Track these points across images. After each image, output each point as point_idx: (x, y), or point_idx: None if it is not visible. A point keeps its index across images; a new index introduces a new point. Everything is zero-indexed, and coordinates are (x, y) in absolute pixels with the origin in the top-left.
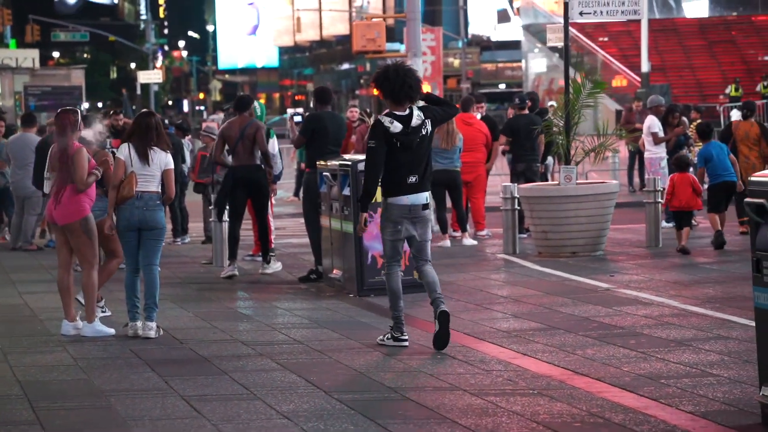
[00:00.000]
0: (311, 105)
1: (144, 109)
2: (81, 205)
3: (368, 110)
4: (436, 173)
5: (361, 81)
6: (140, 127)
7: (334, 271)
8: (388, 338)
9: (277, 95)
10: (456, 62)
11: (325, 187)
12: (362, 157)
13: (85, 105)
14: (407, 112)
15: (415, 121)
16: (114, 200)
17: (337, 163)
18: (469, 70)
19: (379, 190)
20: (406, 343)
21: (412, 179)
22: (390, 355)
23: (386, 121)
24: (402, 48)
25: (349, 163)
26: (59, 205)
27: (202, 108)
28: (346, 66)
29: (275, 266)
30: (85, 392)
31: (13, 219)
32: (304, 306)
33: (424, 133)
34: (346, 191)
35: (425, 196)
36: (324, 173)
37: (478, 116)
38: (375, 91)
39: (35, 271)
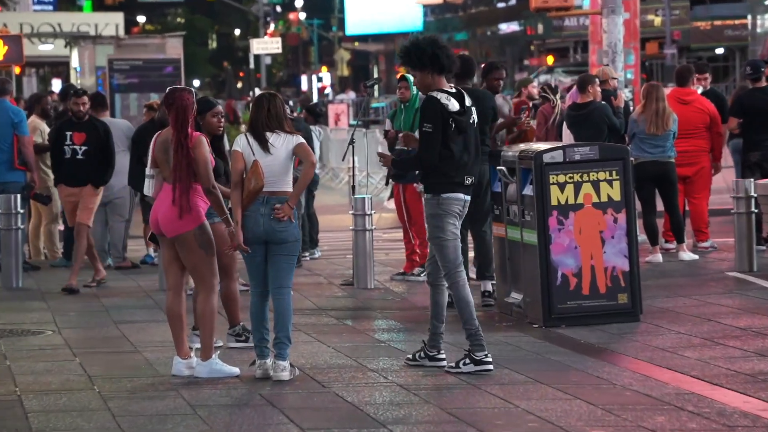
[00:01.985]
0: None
1: (264, 90)
2: (195, 211)
3: (552, 85)
4: (643, 166)
5: (531, 47)
6: (252, 112)
7: (512, 295)
8: (465, 363)
9: None
10: (657, 20)
11: (500, 185)
12: (545, 145)
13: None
14: (455, 90)
15: (468, 100)
16: (239, 202)
17: (515, 153)
18: (676, 30)
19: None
20: (491, 366)
21: (468, 180)
22: (593, 404)
23: (443, 97)
24: (586, 3)
25: (533, 152)
26: (168, 210)
27: (321, 83)
28: (511, 28)
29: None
30: None
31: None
32: None
33: (474, 118)
34: (528, 190)
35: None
36: (498, 168)
37: (699, 90)
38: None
39: (133, 295)
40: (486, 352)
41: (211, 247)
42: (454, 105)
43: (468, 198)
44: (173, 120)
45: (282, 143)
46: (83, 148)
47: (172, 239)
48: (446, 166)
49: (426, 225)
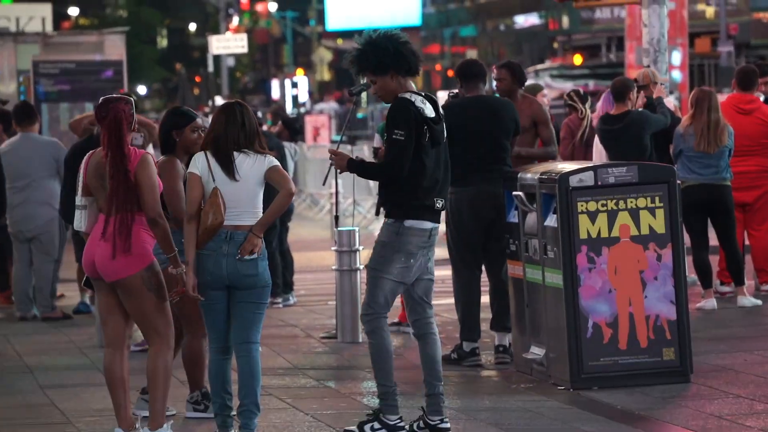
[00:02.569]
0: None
1: (228, 100)
2: (142, 248)
3: (581, 90)
4: (692, 190)
5: (555, 45)
6: (219, 126)
7: (533, 350)
8: (374, 429)
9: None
10: (710, 11)
11: (516, 214)
12: (572, 166)
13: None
14: (424, 94)
15: (440, 108)
16: (194, 239)
17: (535, 175)
18: (732, 23)
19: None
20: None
21: (439, 204)
22: None
23: (417, 100)
24: None
25: (556, 173)
26: (105, 248)
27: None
28: (529, 21)
29: None
30: None
31: (15, 272)
32: (486, 404)
33: (445, 131)
34: (551, 221)
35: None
36: (514, 193)
37: (762, 98)
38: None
39: (63, 353)
40: (400, 416)
41: (162, 291)
42: (429, 110)
43: (437, 225)
44: (106, 137)
45: (251, 166)
46: None
47: (112, 284)
48: (415, 183)
49: (372, 250)
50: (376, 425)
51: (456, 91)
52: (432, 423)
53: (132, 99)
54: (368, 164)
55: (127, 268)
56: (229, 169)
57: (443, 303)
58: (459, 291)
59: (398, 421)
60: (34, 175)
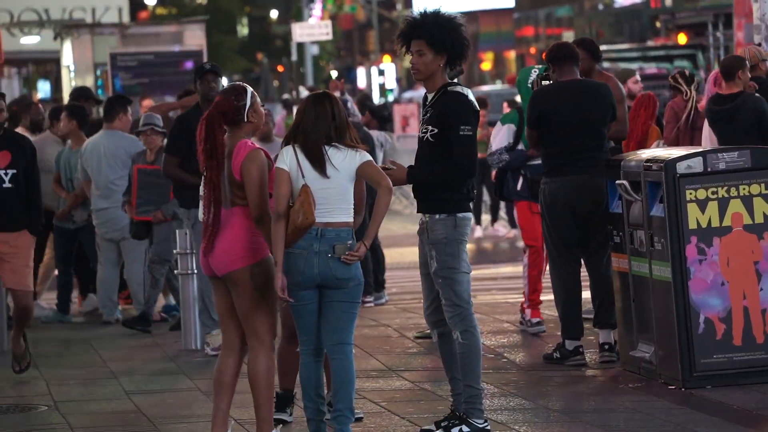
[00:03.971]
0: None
1: (316, 90)
2: (255, 242)
3: (687, 72)
4: None
5: (657, 24)
6: (308, 118)
7: (641, 347)
8: None
9: (511, 54)
10: None
11: (620, 204)
12: (679, 151)
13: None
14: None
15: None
16: (282, 238)
17: (639, 162)
18: None
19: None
20: None
21: (473, 193)
22: None
23: (469, 93)
24: None
25: (662, 160)
26: (216, 242)
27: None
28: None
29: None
30: None
31: (100, 274)
32: (591, 405)
33: None
34: (658, 210)
35: None
36: (618, 182)
37: None
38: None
39: (148, 357)
40: (486, 419)
41: (269, 291)
42: (476, 105)
43: None
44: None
45: (343, 162)
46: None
47: (223, 277)
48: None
49: (433, 253)
50: (465, 428)
51: (540, 68)
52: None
53: (247, 88)
54: (434, 169)
55: (235, 260)
56: (320, 164)
57: (544, 299)
58: (558, 287)
59: (486, 424)
60: (112, 175)
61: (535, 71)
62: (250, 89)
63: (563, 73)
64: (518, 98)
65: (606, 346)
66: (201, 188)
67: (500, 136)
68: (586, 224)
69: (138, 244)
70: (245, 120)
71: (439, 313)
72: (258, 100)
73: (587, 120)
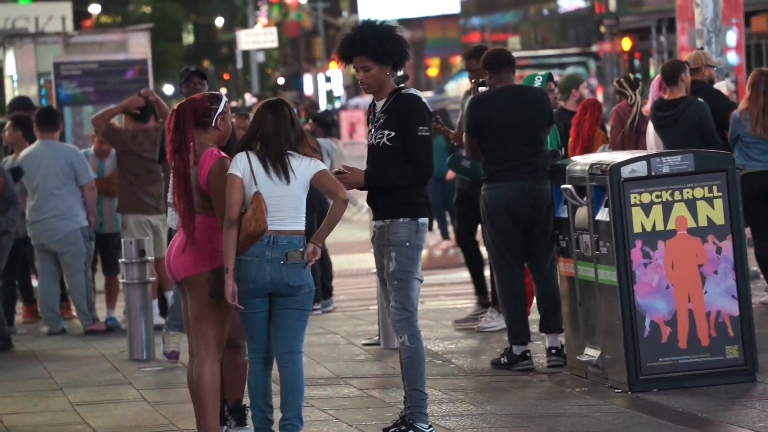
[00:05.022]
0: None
1: (272, 97)
2: (213, 249)
3: (632, 76)
4: (750, 178)
5: (602, 28)
6: (268, 123)
7: (587, 351)
8: None
9: (457, 60)
10: None
11: (566, 209)
12: (623, 155)
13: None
14: None
15: None
16: (234, 245)
17: (584, 167)
18: None
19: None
20: None
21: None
22: None
23: (423, 97)
24: None
25: (607, 164)
26: (180, 248)
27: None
28: (574, 4)
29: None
30: None
31: (40, 285)
32: (539, 410)
33: None
34: (603, 215)
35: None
36: (563, 187)
37: None
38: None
39: (93, 368)
40: (430, 425)
41: (225, 300)
42: (428, 107)
43: None
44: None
45: (298, 169)
46: None
47: (183, 281)
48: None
49: (393, 254)
50: None
51: (483, 80)
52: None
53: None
54: (390, 173)
55: (193, 265)
56: (284, 171)
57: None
58: (503, 293)
59: (431, 429)
60: (51, 185)
61: (538, 78)
62: (225, 99)
63: (500, 80)
64: None
65: (553, 351)
66: (170, 195)
67: None
68: (528, 230)
69: (78, 255)
70: (213, 124)
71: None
72: (230, 112)
73: (526, 125)
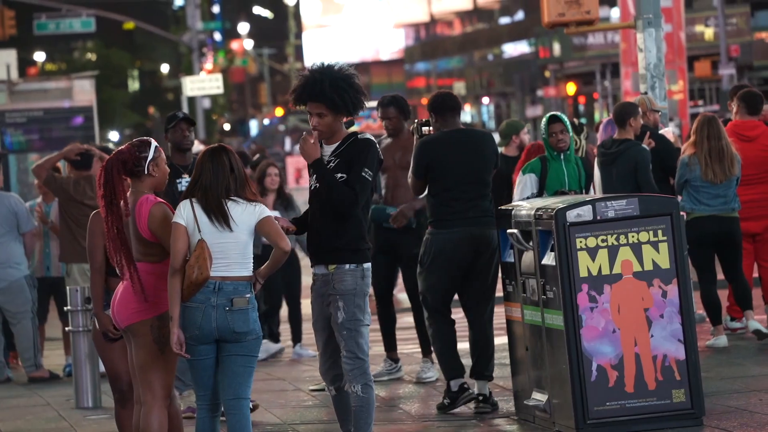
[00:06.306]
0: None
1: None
2: (156, 296)
3: (576, 121)
4: (699, 222)
5: (546, 73)
6: (206, 172)
7: (534, 396)
8: None
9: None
10: (708, 33)
11: (512, 253)
12: (569, 200)
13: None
14: None
15: None
16: (178, 293)
17: (530, 211)
18: (734, 44)
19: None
20: None
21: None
22: None
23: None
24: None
25: (552, 209)
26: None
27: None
28: (519, 49)
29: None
30: None
31: None
32: None
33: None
34: (549, 259)
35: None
36: (509, 231)
37: None
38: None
39: (39, 416)
40: None
41: (168, 346)
42: (381, 155)
43: None
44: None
45: (242, 215)
46: None
47: (126, 329)
48: (365, 226)
49: (340, 304)
50: None
51: (425, 119)
52: None
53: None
54: (331, 174)
55: (137, 313)
56: (224, 218)
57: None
58: (435, 336)
59: None
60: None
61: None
62: (155, 144)
63: (446, 124)
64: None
65: (480, 397)
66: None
67: (523, 186)
68: (467, 275)
69: (23, 303)
70: (145, 172)
71: (337, 367)
72: (163, 155)
73: (472, 169)
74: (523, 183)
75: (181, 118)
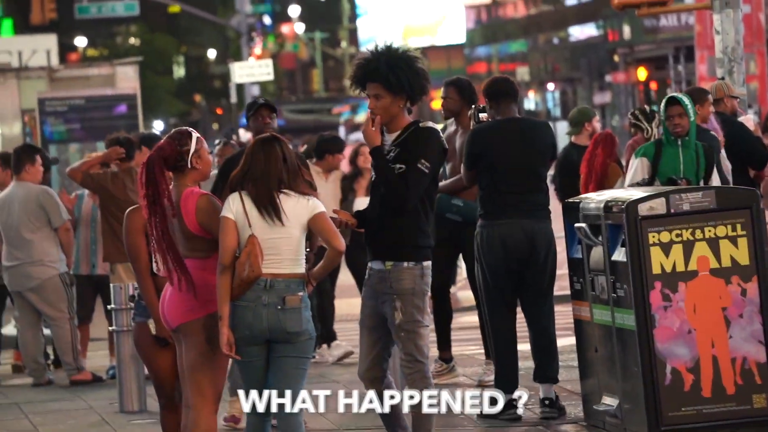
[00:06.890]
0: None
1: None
2: (208, 294)
3: (647, 108)
4: None
5: (616, 58)
6: (258, 162)
7: (605, 400)
8: None
9: None
10: None
11: (580, 249)
12: (640, 192)
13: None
14: None
15: None
16: (228, 292)
17: (599, 204)
18: None
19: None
20: None
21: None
22: None
23: (440, 134)
24: None
25: (623, 201)
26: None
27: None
28: (586, 32)
29: None
30: None
31: (20, 335)
32: None
33: None
34: (619, 255)
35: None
36: (577, 225)
37: None
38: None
39: (82, 422)
40: None
41: (219, 346)
42: (445, 144)
43: None
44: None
45: (294, 210)
46: None
47: (177, 329)
48: (427, 222)
49: (398, 304)
50: None
51: (483, 105)
52: None
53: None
54: (387, 165)
55: (189, 312)
56: (275, 212)
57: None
58: (494, 337)
59: None
60: (24, 228)
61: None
62: (196, 134)
63: (500, 111)
64: None
65: (546, 402)
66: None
67: (634, 170)
68: (523, 271)
69: (58, 301)
70: (189, 166)
71: (378, 369)
72: (205, 146)
73: (524, 161)
74: (634, 168)
75: (261, 104)
